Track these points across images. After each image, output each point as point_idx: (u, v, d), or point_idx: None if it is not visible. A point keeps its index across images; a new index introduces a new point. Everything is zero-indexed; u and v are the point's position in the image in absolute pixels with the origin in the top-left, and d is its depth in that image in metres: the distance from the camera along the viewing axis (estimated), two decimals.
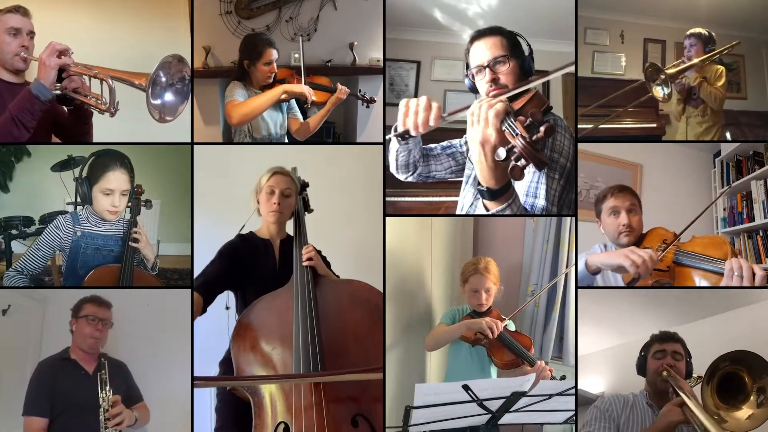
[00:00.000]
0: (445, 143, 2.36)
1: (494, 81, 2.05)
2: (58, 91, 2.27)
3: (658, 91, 2.83)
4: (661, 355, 2.22)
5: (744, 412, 2.07)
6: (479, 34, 2.12)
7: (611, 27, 3.22)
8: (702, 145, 3.14)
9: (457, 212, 2.25)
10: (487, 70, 2.06)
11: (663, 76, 2.80)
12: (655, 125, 3.17)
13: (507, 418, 2.16)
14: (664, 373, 2.16)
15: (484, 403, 2.04)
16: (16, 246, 2.62)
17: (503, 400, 2.07)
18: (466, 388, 1.98)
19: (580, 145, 2.58)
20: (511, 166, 1.72)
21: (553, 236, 2.97)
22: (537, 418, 2.25)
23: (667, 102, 2.90)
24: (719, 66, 2.93)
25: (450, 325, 2.56)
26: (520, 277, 3.11)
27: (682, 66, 2.89)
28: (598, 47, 3.24)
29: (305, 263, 2.20)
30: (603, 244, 2.42)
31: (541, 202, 2.00)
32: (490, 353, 2.52)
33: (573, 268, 2.45)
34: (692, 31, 2.91)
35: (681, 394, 2.00)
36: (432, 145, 2.35)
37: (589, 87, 3.08)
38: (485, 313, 2.56)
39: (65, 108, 2.40)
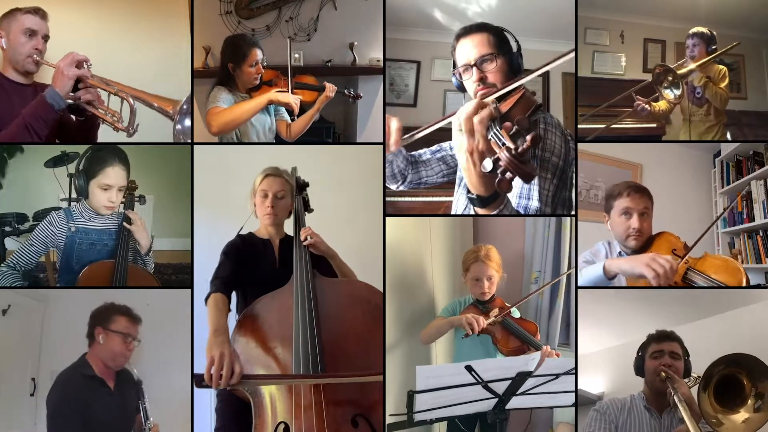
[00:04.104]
0: (434, 147, 2.31)
1: (482, 80, 2.02)
2: (71, 101, 2.27)
3: (668, 94, 2.80)
4: (659, 355, 2.21)
5: (740, 416, 2.05)
6: (465, 32, 2.07)
7: (611, 27, 3.22)
8: (702, 145, 3.14)
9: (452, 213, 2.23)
10: (474, 68, 2.02)
11: (671, 77, 2.77)
12: (655, 125, 3.16)
13: (514, 402, 2.12)
14: (662, 374, 2.16)
15: (489, 385, 2.00)
16: (10, 243, 2.61)
17: (509, 382, 2.03)
18: (469, 369, 1.95)
19: (580, 145, 2.58)
20: (498, 179, 1.68)
21: (554, 222, 2.96)
22: (545, 401, 2.21)
23: (678, 104, 2.87)
24: (722, 66, 2.93)
25: (448, 317, 2.55)
26: (523, 265, 3.10)
27: (691, 66, 2.86)
28: (598, 47, 3.24)
29: (305, 243, 2.20)
30: (606, 241, 2.41)
31: (534, 203, 1.98)
32: (495, 341, 2.49)
33: (574, 270, 2.44)
34: (695, 30, 2.90)
35: (682, 411, 1.98)
36: (421, 151, 2.31)
37: (590, 87, 3.08)
38: (488, 301, 2.53)
39: (73, 117, 2.39)
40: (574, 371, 2.13)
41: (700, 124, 2.98)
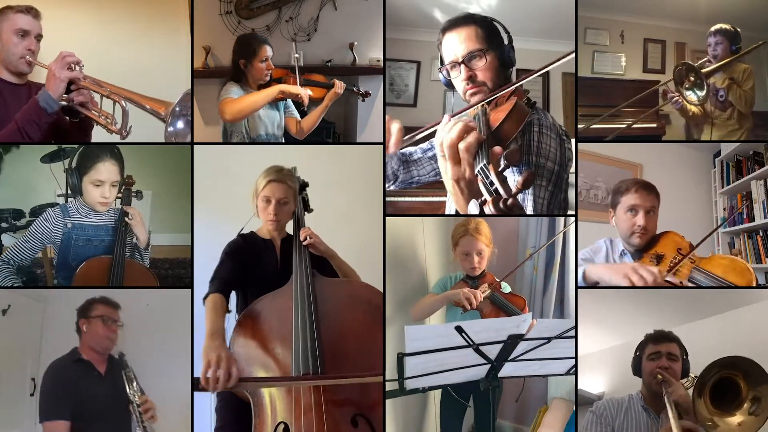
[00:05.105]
0: (425, 145, 2.23)
1: (471, 79, 1.90)
2: (64, 102, 2.25)
3: (691, 96, 2.66)
4: (656, 357, 2.18)
5: (736, 419, 2.02)
6: (451, 24, 1.95)
7: (611, 27, 3.22)
8: (702, 144, 3.14)
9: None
10: (462, 66, 1.90)
11: (694, 77, 2.63)
12: (655, 125, 3.16)
13: (507, 370, 2.08)
14: (659, 376, 2.14)
15: (480, 348, 1.94)
16: (6, 239, 2.61)
17: (501, 345, 1.97)
18: (459, 329, 1.89)
19: (581, 145, 2.58)
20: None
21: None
22: (538, 368, 2.17)
23: (703, 104, 2.72)
24: (746, 65, 2.78)
25: (439, 294, 2.49)
26: (518, 241, 3.07)
27: (714, 65, 2.72)
28: (598, 47, 3.24)
29: (305, 243, 2.20)
30: (609, 239, 2.40)
31: (529, 212, 1.90)
32: (483, 316, 2.43)
33: (572, 227, 2.40)
34: (717, 27, 2.77)
35: (670, 414, 1.95)
36: (411, 149, 2.24)
37: (589, 87, 3.08)
38: (479, 277, 2.48)
39: (68, 119, 2.38)
40: (565, 335, 2.06)
41: (722, 128, 2.85)
